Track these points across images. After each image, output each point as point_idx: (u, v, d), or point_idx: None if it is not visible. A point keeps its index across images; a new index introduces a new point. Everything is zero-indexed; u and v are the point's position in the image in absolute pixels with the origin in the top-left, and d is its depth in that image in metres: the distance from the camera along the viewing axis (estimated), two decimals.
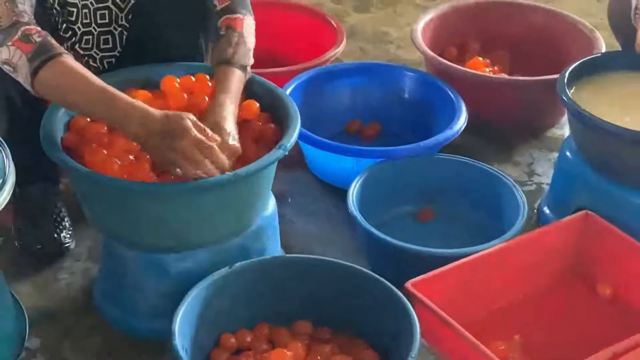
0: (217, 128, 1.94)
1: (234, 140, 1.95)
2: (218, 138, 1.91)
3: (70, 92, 1.94)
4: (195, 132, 1.87)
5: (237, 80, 2.08)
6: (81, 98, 1.93)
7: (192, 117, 1.89)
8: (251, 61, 2.14)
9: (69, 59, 1.94)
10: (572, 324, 2.17)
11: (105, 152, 1.97)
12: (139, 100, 1.93)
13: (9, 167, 1.78)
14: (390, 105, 2.80)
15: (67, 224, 2.35)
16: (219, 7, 2.17)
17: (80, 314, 2.20)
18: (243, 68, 2.10)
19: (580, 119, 2.24)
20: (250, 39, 2.15)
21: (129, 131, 1.91)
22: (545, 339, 2.13)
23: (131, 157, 1.99)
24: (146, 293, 2.09)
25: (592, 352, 1.89)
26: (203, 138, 1.87)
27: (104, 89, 1.92)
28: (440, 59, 2.84)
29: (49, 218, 2.33)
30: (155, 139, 1.87)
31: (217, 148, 1.89)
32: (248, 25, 2.16)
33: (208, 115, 1.98)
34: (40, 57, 1.92)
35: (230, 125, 1.97)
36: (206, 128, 1.90)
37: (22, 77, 1.95)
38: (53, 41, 1.96)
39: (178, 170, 1.89)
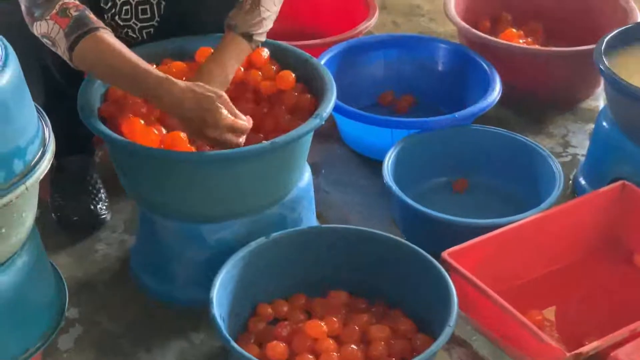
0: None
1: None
2: (249, 120, 1.92)
3: (105, 67, 1.95)
4: (226, 118, 1.88)
5: (234, 48, 2.07)
6: (114, 73, 1.94)
7: (224, 97, 1.91)
8: (263, 29, 2.12)
9: (105, 34, 1.95)
10: (608, 294, 2.16)
11: (142, 122, 1.98)
12: (170, 76, 1.92)
13: (49, 136, 1.79)
14: (424, 77, 2.79)
15: (103, 195, 2.36)
16: None
17: (118, 285, 2.22)
18: (248, 36, 2.09)
19: (618, 87, 2.23)
20: (269, 7, 2.12)
21: (160, 107, 1.94)
22: (581, 309, 2.13)
23: (168, 127, 2.00)
24: (184, 262, 2.11)
25: (628, 323, 1.89)
26: (235, 123, 1.89)
27: (136, 65, 1.92)
28: (474, 30, 2.82)
29: (86, 190, 2.35)
30: (185, 120, 1.91)
31: (248, 128, 1.91)
32: None
33: (194, 80, 1.98)
34: (77, 32, 1.93)
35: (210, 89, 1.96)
36: (236, 111, 1.91)
37: (60, 51, 1.96)
38: (91, 15, 1.97)
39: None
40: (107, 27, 1.97)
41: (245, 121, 1.93)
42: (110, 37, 1.96)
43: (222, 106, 1.90)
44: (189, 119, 1.90)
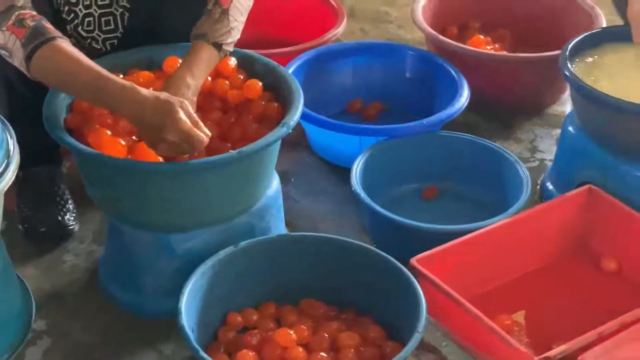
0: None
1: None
2: (207, 132, 1.91)
3: (64, 77, 1.93)
4: (185, 122, 1.87)
5: (205, 57, 2.06)
6: (74, 82, 1.92)
7: (185, 103, 1.89)
8: (232, 39, 2.11)
9: (63, 43, 1.93)
10: (577, 298, 2.17)
11: (108, 132, 1.97)
12: (131, 83, 1.91)
13: (13, 147, 1.78)
14: (392, 84, 2.79)
15: (70, 206, 2.35)
16: None
17: (86, 296, 2.21)
18: (217, 46, 2.08)
19: (583, 93, 2.24)
20: (237, 17, 2.12)
21: (121, 116, 1.93)
22: (550, 313, 2.14)
23: (134, 137, 1.99)
24: (152, 273, 2.10)
25: (596, 326, 1.90)
26: (192, 131, 1.87)
27: (95, 73, 1.91)
28: (442, 37, 2.83)
29: (53, 201, 2.34)
30: (143, 126, 1.89)
31: (205, 141, 1.90)
32: (239, 2, 2.13)
33: (165, 89, 1.97)
34: (34, 42, 1.91)
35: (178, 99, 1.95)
36: (198, 119, 1.90)
37: (17, 62, 1.95)
38: (48, 25, 1.95)
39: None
40: (65, 37, 1.96)
41: (204, 134, 1.90)
42: (69, 46, 1.94)
43: (182, 112, 1.88)
44: (149, 125, 1.88)
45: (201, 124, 1.91)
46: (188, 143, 1.88)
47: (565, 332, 1.95)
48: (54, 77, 1.95)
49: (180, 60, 2.13)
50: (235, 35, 2.13)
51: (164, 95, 1.90)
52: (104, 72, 1.91)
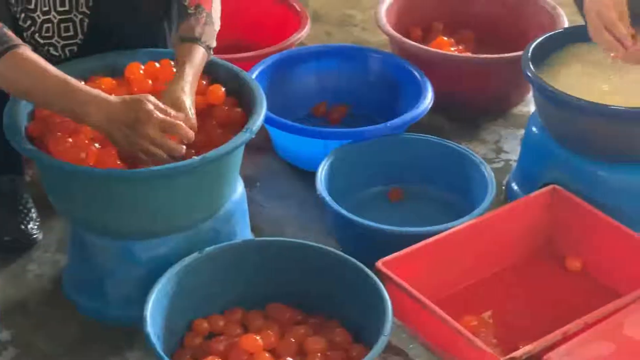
0: (179, 102, 1.96)
1: (193, 116, 1.98)
2: (181, 114, 1.92)
3: (28, 85, 1.91)
4: (157, 113, 1.87)
5: (201, 58, 2.07)
6: (39, 91, 1.91)
7: (150, 98, 1.90)
8: (215, 44, 2.13)
9: (25, 51, 1.92)
10: (543, 298, 2.18)
11: (71, 140, 1.96)
12: (97, 90, 1.91)
13: None
14: (357, 87, 2.80)
15: (34, 215, 2.34)
16: None
17: (52, 305, 2.19)
18: (208, 49, 2.10)
19: (544, 93, 2.26)
20: (217, 21, 2.15)
21: (90, 123, 1.91)
22: (517, 313, 2.14)
23: (97, 144, 1.98)
24: (117, 281, 2.09)
25: (563, 325, 1.91)
26: (167, 118, 1.88)
27: (61, 81, 1.90)
28: (405, 39, 2.84)
29: (16, 210, 2.32)
30: (119, 130, 1.88)
31: (182, 124, 1.90)
32: (216, 7, 2.15)
33: (172, 88, 1.98)
34: None
35: (190, 100, 1.99)
36: (167, 107, 1.90)
37: None
38: (9, 32, 1.93)
39: (144, 156, 1.89)
40: (26, 44, 1.95)
41: (176, 116, 1.91)
42: (32, 54, 1.93)
43: (151, 106, 1.88)
44: (123, 125, 1.87)
45: (169, 110, 1.91)
46: (170, 129, 1.88)
47: (532, 332, 1.96)
48: (17, 85, 1.93)
49: (142, 67, 2.13)
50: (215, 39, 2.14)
51: (128, 97, 1.90)
52: (71, 80, 1.91)
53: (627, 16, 2.21)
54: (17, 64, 1.90)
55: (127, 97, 1.90)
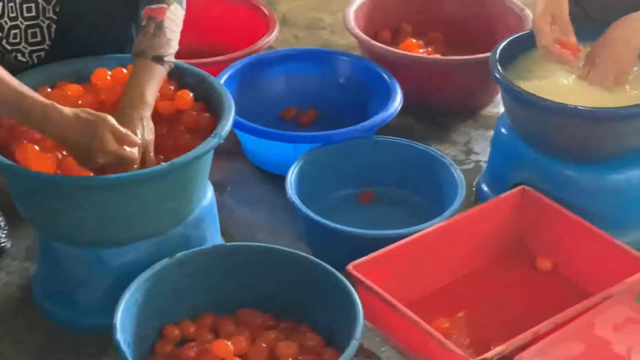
0: (128, 120, 1.95)
1: (148, 133, 1.96)
2: (138, 140, 1.91)
3: None
4: (111, 144, 1.86)
5: (149, 73, 2.04)
6: None
7: (109, 120, 1.87)
8: (172, 50, 2.10)
9: None
10: (515, 298, 2.19)
11: (37, 148, 1.94)
12: (54, 104, 1.87)
13: None
14: (326, 91, 2.79)
15: (2, 223, 2.32)
16: None
17: (21, 314, 2.17)
18: (158, 59, 2.07)
19: (512, 94, 2.26)
20: (173, 28, 2.11)
21: (48, 134, 1.89)
22: (489, 314, 2.15)
23: (64, 152, 1.97)
24: (87, 288, 2.07)
25: (535, 325, 1.91)
26: (119, 150, 1.87)
27: (19, 93, 1.87)
28: (374, 42, 2.84)
29: None
30: (74, 149, 1.88)
31: (134, 156, 1.89)
32: (172, 13, 2.12)
33: (120, 111, 1.97)
34: None
35: (137, 119, 1.96)
36: (125, 132, 1.89)
37: None
38: None
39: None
40: None
41: (134, 144, 1.90)
42: None
43: (107, 131, 1.86)
44: (76, 145, 1.87)
45: (129, 135, 1.90)
46: (117, 162, 1.88)
47: (504, 333, 1.96)
48: None
49: (109, 72, 2.12)
50: (175, 46, 2.12)
51: (84, 114, 1.87)
52: (28, 91, 1.88)
53: (570, 29, 2.26)
54: None
55: (81, 114, 1.87)
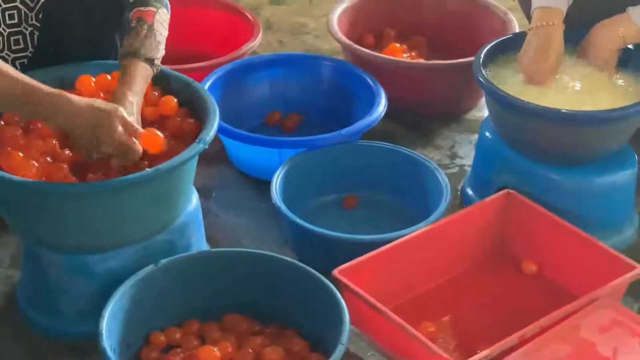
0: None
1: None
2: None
3: None
4: (119, 135, 1.88)
5: (141, 73, 2.06)
6: (3, 94, 1.88)
7: (121, 111, 1.89)
8: (160, 54, 2.12)
9: None
10: (500, 302, 2.19)
11: (21, 154, 1.93)
12: (63, 92, 1.90)
13: None
14: (310, 96, 2.80)
15: None
16: (132, 0, 2.15)
17: (5, 321, 2.16)
18: (149, 61, 2.08)
19: (496, 98, 2.27)
20: (161, 31, 2.13)
21: (56, 124, 1.91)
22: (475, 318, 2.15)
23: (48, 158, 1.96)
24: (71, 295, 2.07)
25: (521, 328, 1.92)
26: (125, 140, 1.89)
27: (28, 84, 1.88)
28: (357, 46, 2.84)
29: None
30: (81, 138, 1.89)
31: (138, 149, 1.90)
32: (160, 17, 2.14)
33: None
34: None
35: (130, 117, 1.96)
36: (132, 124, 1.91)
37: None
38: None
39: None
40: None
41: (137, 142, 1.92)
42: None
43: (118, 121, 1.88)
44: (83, 133, 1.88)
45: (138, 128, 1.91)
46: (122, 154, 1.89)
47: (490, 336, 1.96)
48: None
49: (93, 79, 2.11)
50: (162, 50, 2.13)
51: (97, 103, 1.89)
52: (35, 82, 1.89)
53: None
54: None
55: (95, 103, 1.89)
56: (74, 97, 1.89)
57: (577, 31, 2.33)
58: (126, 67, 2.05)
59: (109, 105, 1.90)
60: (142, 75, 2.06)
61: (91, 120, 1.87)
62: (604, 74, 2.31)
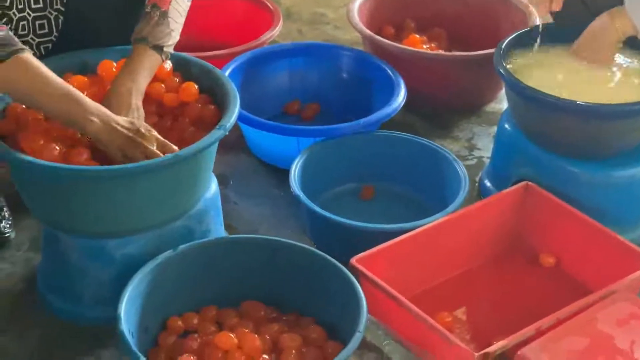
0: (125, 107, 1.98)
1: (141, 120, 2.00)
2: (175, 148, 1.95)
3: (29, 91, 1.90)
4: (153, 154, 1.92)
5: (146, 60, 2.06)
6: (41, 98, 1.90)
7: (153, 134, 1.93)
8: (172, 41, 2.12)
9: (29, 56, 1.91)
10: (517, 293, 2.19)
11: (43, 139, 1.94)
12: (99, 106, 1.92)
13: None
14: (329, 85, 2.80)
15: (6, 213, 2.32)
16: None
17: (23, 304, 2.18)
18: (158, 49, 2.08)
19: (516, 90, 2.27)
20: (176, 19, 2.13)
21: (90, 135, 1.92)
22: (491, 309, 2.16)
23: (70, 143, 1.97)
24: (90, 280, 2.08)
25: (536, 320, 1.92)
26: (156, 155, 1.93)
27: (66, 91, 1.90)
28: (378, 37, 2.84)
29: None
30: (115, 151, 1.92)
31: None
32: (177, 3, 2.13)
33: (107, 95, 1.99)
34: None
35: (134, 107, 1.99)
36: (164, 142, 1.94)
37: None
38: (14, 37, 1.92)
39: None
40: (28, 48, 1.93)
41: (170, 152, 1.95)
42: (35, 60, 1.91)
43: (150, 145, 1.92)
44: (117, 151, 1.92)
45: (168, 144, 1.95)
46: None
47: (506, 328, 1.96)
48: (19, 90, 1.91)
49: (115, 64, 2.12)
50: (175, 37, 2.13)
51: (133, 126, 1.92)
52: (74, 90, 1.91)
53: None
54: (20, 69, 1.89)
55: (130, 126, 1.92)
56: (109, 114, 1.91)
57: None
58: (132, 55, 2.06)
59: (138, 134, 1.92)
60: (147, 62, 2.06)
61: (124, 144, 1.91)
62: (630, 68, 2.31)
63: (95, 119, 1.89)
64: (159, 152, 1.92)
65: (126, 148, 1.91)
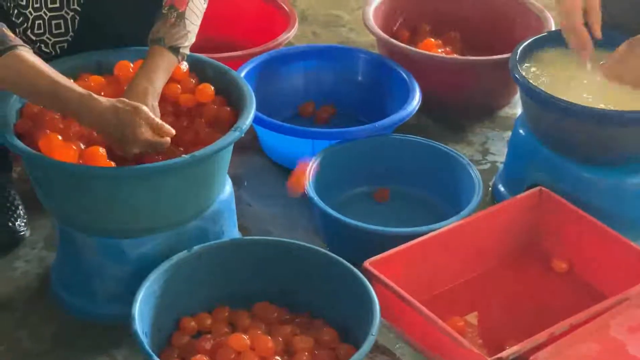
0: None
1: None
2: (172, 130, 1.94)
3: (25, 85, 1.92)
4: (143, 133, 1.90)
5: (162, 61, 2.07)
6: (35, 91, 1.92)
7: (143, 111, 1.91)
8: (189, 42, 2.12)
9: (24, 52, 1.92)
10: (529, 299, 2.19)
11: (59, 137, 1.95)
12: (91, 93, 1.92)
13: None
14: (344, 88, 2.80)
15: (21, 212, 2.33)
16: None
17: (38, 302, 2.19)
18: (174, 50, 2.09)
19: (531, 95, 2.27)
20: (193, 21, 2.13)
21: (82, 124, 1.94)
22: (503, 314, 2.15)
23: (86, 142, 1.98)
24: (104, 279, 2.09)
25: (549, 326, 1.92)
26: (153, 139, 1.91)
27: (56, 82, 1.90)
28: (393, 40, 2.85)
29: (3, 207, 2.31)
30: (109, 135, 1.91)
31: (167, 142, 1.93)
32: (195, 5, 2.13)
33: (124, 96, 1.99)
34: None
35: (150, 107, 1.98)
36: (157, 121, 1.92)
37: None
38: (10, 33, 1.94)
39: None
40: (26, 45, 1.95)
41: (167, 133, 1.94)
42: (30, 55, 1.93)
43: (141, 121, 1.89)
44: (110, 135, 1.91)
45: (163, 125, 1.93)
46: (151, 149, 1.93)
47: (518, 333, 1.97)
48: (15, 86, 1.94)
49: (131, 65, 2.13)
50: (192, 39, 2.13)
51: (122, 103, 1.91)
52: (65, 80, 1.92)
53: (598, 19, 2.25)
54: (14, 65, 1.91)
55: (119, 104, 1.91)
56: (100, 98, 1.91)
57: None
58: (149, 55, 2.07)
59: (132, 106, 1.91)
60: (163, 63, 2.06)
61: (114, 121, 1.89)
62: None
63: (81, 112, 1.89)
64: (149, 135, 1.92)
65: (115, 134, 1.90)
